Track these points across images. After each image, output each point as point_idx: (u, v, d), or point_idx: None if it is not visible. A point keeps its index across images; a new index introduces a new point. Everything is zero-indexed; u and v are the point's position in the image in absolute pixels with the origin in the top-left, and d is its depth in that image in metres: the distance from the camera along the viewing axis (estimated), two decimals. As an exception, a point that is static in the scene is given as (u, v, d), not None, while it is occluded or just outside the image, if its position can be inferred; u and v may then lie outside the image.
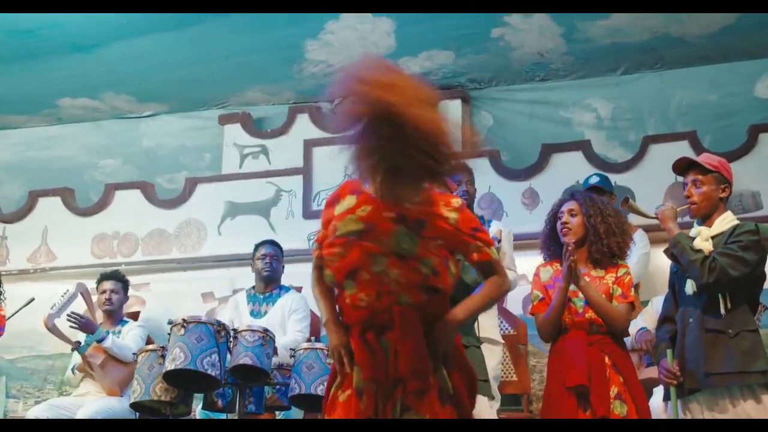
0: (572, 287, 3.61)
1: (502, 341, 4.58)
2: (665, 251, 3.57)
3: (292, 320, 5.05)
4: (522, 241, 5.11)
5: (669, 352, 3.49)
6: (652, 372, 4.19)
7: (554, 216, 3.79)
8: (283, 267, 5.31)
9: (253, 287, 5.31)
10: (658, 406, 3.97)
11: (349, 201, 2.57)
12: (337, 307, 2.64)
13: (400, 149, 2.31)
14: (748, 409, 3.27)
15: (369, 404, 2.46)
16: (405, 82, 2.34)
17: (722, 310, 3.36)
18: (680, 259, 3.46)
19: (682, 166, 3.61)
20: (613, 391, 3.46)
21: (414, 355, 2.45)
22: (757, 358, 3.30)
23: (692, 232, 3.53)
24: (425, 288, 2.49)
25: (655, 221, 3.70)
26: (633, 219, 4.35)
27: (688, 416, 3.44)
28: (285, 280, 5.32)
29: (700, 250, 3.41)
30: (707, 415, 3.35)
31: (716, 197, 3.52)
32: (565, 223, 3.69)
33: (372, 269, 2.46)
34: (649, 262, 5.13)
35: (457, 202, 2.56)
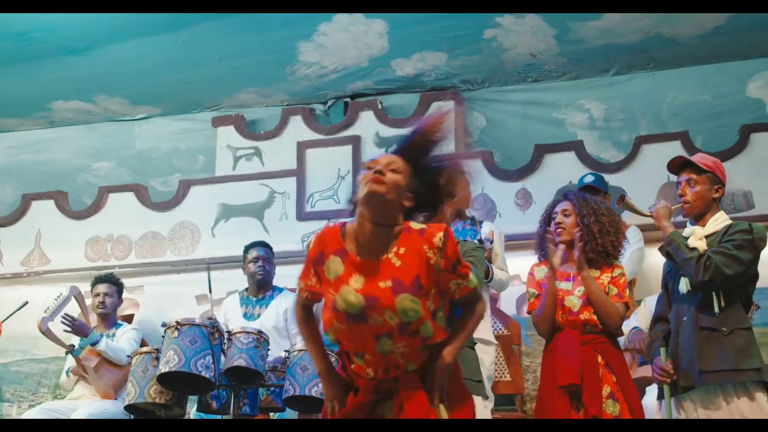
0: (566, 286, 3.63)
1: (495, 341, 4.59)
2: (660, 249, 3.59)
3: (292, 323, 5.05)
4: (515, 242, 5.13)
5: (662, 350, 3.50)
6: (645, 371, 4.20)
7: (548, 217, 3.81)
8: (275, 267, 5.31)
9: (246, 289, 5.31)
10: (651, 404, 3.98)
11: (336, 265, 2.58)
12: (341, 362, 2.69)
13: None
14: (741, 407, 3.28)
15: None
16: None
17: (716, 309, 3.38)
18: (675, 256, 3.47)
19: (677, 166, 3.63)
20: (606, 390, 3.47)
21: (417, 403, 2.51)
22: (750, 355, 3.32)
23: (686, 232, 3.54)
24: (426, 347, 2.57)
25: (650, 220, 3.72)
26: (626, 216, 4.36)
27: (682, 415, 3.45)
28: (278, 282, 5.32)
29: (695, 249, 3.43)
30: (701, 414, 3.37)
31: (710, 197, 3.54)
32: (559, 223, 3.71)
33: (377, 351, 2.53)
34: (642, 258, 5.12)
35: (439, 239, 2.54)
